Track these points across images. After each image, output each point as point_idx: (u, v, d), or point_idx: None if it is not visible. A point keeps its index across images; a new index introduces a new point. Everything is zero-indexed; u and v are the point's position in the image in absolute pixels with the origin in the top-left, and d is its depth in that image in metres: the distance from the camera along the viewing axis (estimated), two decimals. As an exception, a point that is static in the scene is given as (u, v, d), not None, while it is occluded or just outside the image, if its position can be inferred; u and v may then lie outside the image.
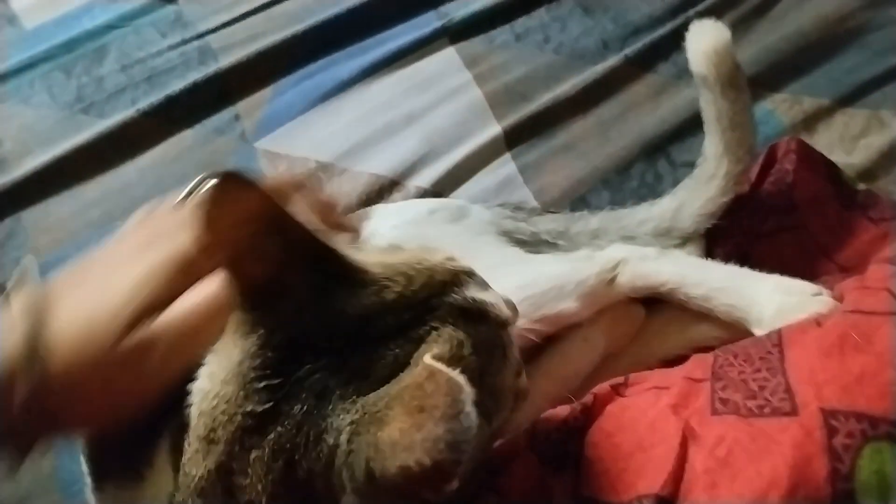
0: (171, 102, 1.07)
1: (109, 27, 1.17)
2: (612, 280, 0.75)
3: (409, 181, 0.98)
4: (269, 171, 1.00)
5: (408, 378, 0.40)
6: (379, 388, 0.41)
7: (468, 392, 0.39)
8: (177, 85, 1.08)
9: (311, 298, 0.45)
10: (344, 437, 0.41)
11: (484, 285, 0.51)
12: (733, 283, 0.72)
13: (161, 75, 1.11)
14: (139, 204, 0.95)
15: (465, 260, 0.53)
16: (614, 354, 0.76)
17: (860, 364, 0.51)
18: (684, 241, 0.80)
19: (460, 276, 0.49)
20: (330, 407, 0.42)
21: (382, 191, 0.97)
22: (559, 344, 0.75)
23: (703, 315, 0.74)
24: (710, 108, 0.81)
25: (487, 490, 0.54)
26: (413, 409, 0.38)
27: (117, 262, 0.52)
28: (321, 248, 0.46)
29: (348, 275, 0.47)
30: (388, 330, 0.45)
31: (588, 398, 0.59)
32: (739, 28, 1.04)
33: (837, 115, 0.96)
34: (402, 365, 0.42)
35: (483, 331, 0.47)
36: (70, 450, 0.78)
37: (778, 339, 0.58)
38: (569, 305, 0.72)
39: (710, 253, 0.80)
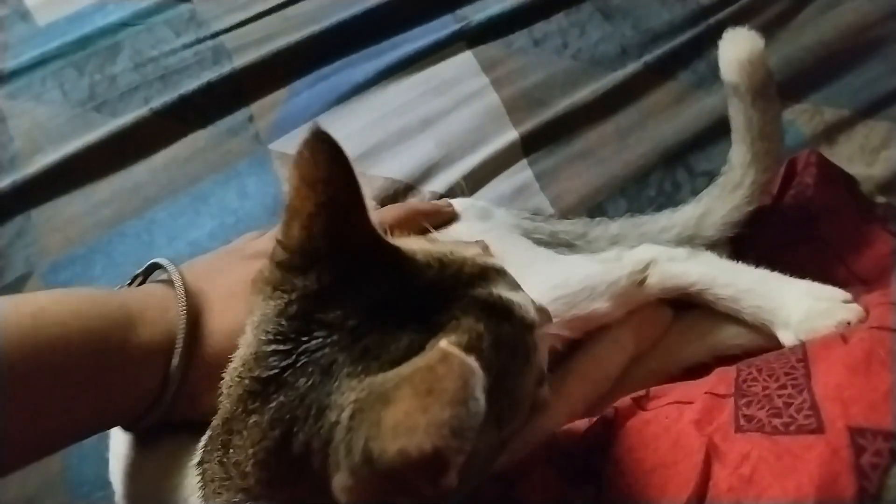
0: (184, 102, 1.06)
1: (123, 25, 1.16)
2: (643, 281, 0.74)
3: (424, 186, 0.97)
4: (283, 174, 0.99)
5: (420, 361, 0.40)
6: (388, 371, 0.41)
7: (479, 376, 0.38)
8: (190, 84, 1.07)
9: (338, 276, 0.46)
10: (346, 415, 0.40)
11: (514, 285, 0.50)
12: (762, 286, 0.72)
13: (174, 74, 1.10)
14: (151, 204, 0.98)
15: (497, 258, 0.52)
16: (639, 357, 0.75)
17: (887, 381, 0.50)
18: (708, 249, 0.80)
19: (490, 272, 0.49)
20: (336, 383, 0.42)
21: (397, 195, 0.96)
22: (589, 346, 0.74)
23: (727, 320, 0.73)
24: (740, 117, 0.80)
25: (505, 500, 0.53)
26: (421, 392, 0.37)
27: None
28: (368, 231, 0.47)
29: (384, 256, 0.47)
30: (408, 315, 0.44)
31: (609, 412, 0.58)
32: None
33: (858, 126, 0.95)
34: (416, 350, 0.42)
35: (506, 329, 0.46)
36: (79, 451, 0.78)
37: (803, 355, 0.57)
38: (601, 306, 0.72)
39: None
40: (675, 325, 0.77)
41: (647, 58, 1.04)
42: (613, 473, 0.53)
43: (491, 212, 0.84)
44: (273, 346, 0.44)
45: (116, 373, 0.54)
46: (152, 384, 0.55)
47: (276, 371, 0.44)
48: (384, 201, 0.95)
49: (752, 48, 0.77)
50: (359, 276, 0.46)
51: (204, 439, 0.48)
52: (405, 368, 0.40)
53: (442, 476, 0.36)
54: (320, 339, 0.44)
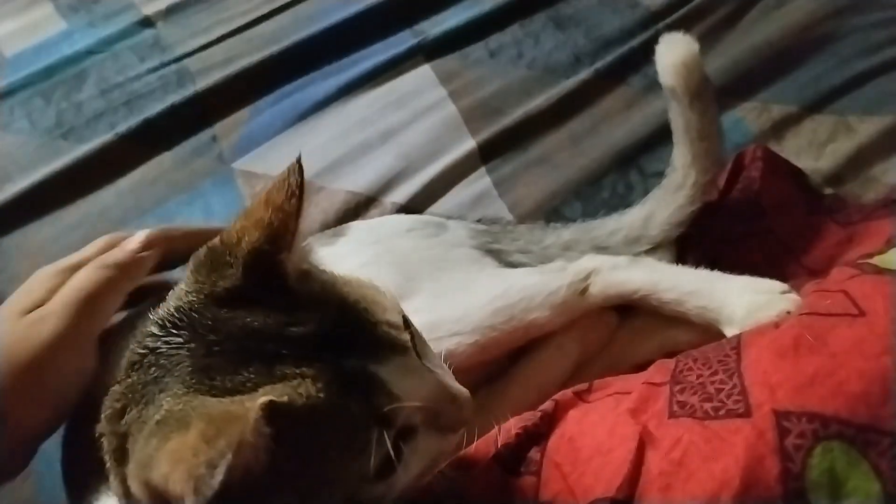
0: (149, 125, 1.08)
1: (89, 52, 1.19)
2: (585, 290, 0.75)
3: (385, 197, 0.98)
4: (247, 191, 1.01)
5: (231, 405, 0.41)
6: (211, 398, 0.43)
7: (254, 451, 0.40)
8: (155, 108, 1.09)
9: (241, 292, 0.48)
10: (157, 418, 0.43)
11: (407, 370, 0.49)
12: (704, 286, 0.73)
13: (140, 99, 1.12)
14: (118, 226, 0.99)
15: (414, 326, 0.53)
16: (587, 362, 0.76)
17: (814, 365, 0.52)
18: (654, 248, 0.81)
19: (386, 346, 0.49)
20: (169, 385, 0.44)
21: (359, 208, 0.98)
22: (533, 353, 0.75)
23: (675, 320, 0.75)
24: (679, 120, 0.82)
25: (449, 496, 0.54)
26: (208, 435, 0.39)
27: None
28: (284, 265, 0.49)
29: (297, 293, 0.49)
30: (264, 354, 0.45)
31: (549, 405, 0.59)
32: (708, 39, 1.06)
33: (805, 121, 0.97)
34: (248, 389, 0.43)
35: (352, 412, 0.45)
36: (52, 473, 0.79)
37: (737, 343, 0.58)
38: (540, 315, 0.73)
39: (680, 260, 0.81)
40: (623, 328, 0.78)
41: (599, 64, 1.06)
42: (552, 463, 0.54)
43: (444, 227, 0.85)
44: (155, 328, 0.48)
45: None
46: None
47: (145, 351, 0.47)
48: (346, 214, 0.97)
49: (686, 52, 0.79)
50: (257, 297, 0.48)
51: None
52: (217, 405, 0.42)
53: None
54: (182, 339, 0.46)
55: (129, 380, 0.47)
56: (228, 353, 0.45)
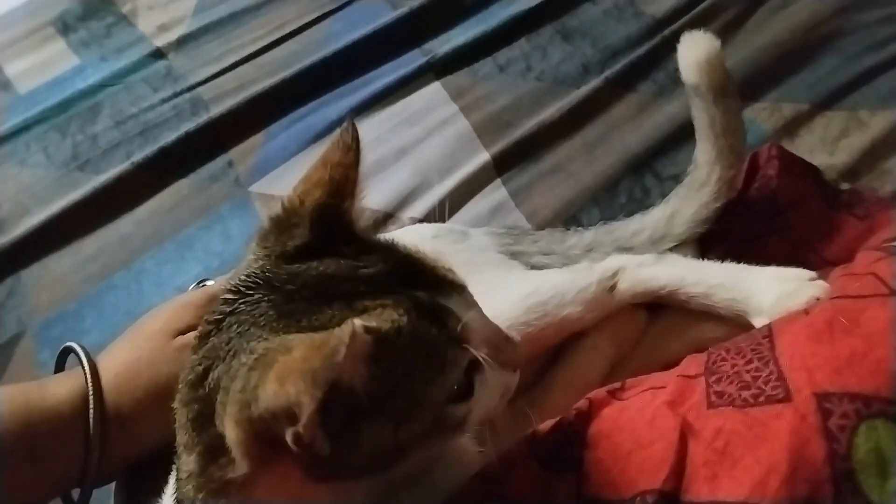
0: (164, 154, 1.09)
1: (102, 86, 1.20)
2: (613, 287, 0.76)
3: (403, 213, 0.99)
4: (265, 213, 1.02)
5: (329, 332, 0.42)
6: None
7: (369, 352, 0.42)
8: (170, 136, 1.10)
9: (308, 245, 0.50)
10: (252, 358, 0.43)
11: (469, 304, 0.52)
12: (731, 278, 0.73)
13: (154, 129, 1.13)
14: (137, 255, 1.00)
15: (465, 278, 0.54)
16: (620, 361, 0.76)
17: (849, 346, 0.52)
18: (677, 247, 0.82)
19: (445, 284, 0.51)
20: (258, 334, 0.45)
21: (377, 224, 0.98)
22: (569, 355, 0.76)
23: (704, 315, 0.75)
24: (703, 116, 0.82)
25: (490, 498, 0.54)
26: (313, 347, 0.40)
27: None
28: (349, 216, 0.52)
29: (357, 241, 0.51)
30: (342, 293, 0.47)
31: (583, 403, 0.59)
32: None
33: (817, 118, 0.97)
34: (335, 324, 0.44)
35: (430, 333, 0.47)
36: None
37: (768, 332, 0.58)
38: (572, 311, 0.73)
39: (702, 259, 0.81)
40: (653, 326, 0.78)
41: (608, 73, 1.07)
42: (592, 459, 0.54)
43: (467, 234, 0.86)
44: (227, 295, 0.49)
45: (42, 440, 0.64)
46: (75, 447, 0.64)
47: (221, 316, 0.48)
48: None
49: (709, 49, 0.80)
50: (325, 250, 0.50)
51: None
52: (313, 333, 0.43)
53: (296, 423, 0.39)
54: (260, 295, 0.47)
55: (208, 344, 0.47)
56: (309, 297, 0.47)
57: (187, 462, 0.47)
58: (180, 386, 0.48)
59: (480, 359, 0.49)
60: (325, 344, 0.39)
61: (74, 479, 0.66)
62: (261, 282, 0.48)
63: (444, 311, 0.48)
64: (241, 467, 0.42)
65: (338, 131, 0.54)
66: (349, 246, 0.50)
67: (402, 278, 0.49)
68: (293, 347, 0.41)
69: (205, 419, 0.45)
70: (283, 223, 0.52)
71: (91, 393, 0.66)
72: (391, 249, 0.52)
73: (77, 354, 0.71)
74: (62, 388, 0.67)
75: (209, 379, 0.45)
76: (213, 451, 0.44)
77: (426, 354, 0.47)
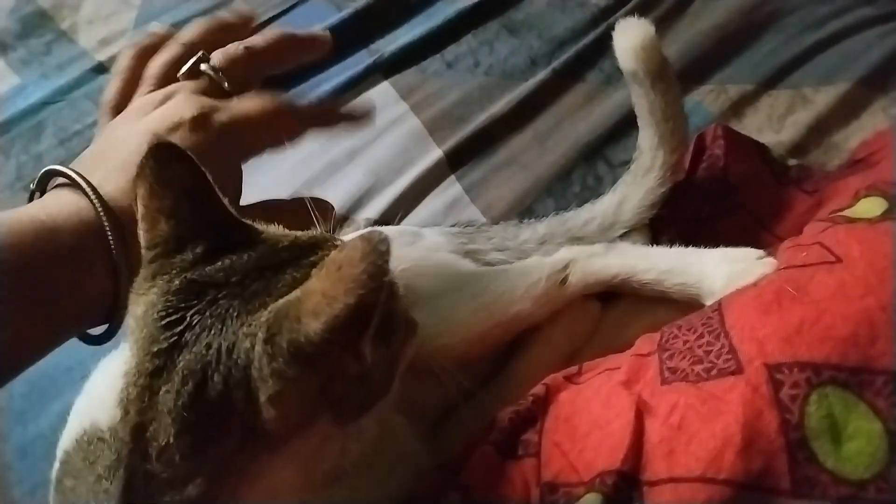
0: (111, 168, 1.06)
1: (44, 103, 1.17)
2: (564, 280, 0.75)
3: (357, 214, 0.98)
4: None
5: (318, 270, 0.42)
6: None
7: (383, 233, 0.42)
8: (116, 151, 1.08)
9: (210, 248, 0.48)
10: (261, 334, 0.42)
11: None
12: (681, 263, 0.73)
13: (99, 144, 1.11)
14: None
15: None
16: (576, 352, 0.76)
17: (798, 315, 0.52)
18: (628, 233, 0.82)
19: (323, 241, 0.52)
20: (238, 322, 0.43)
21: (333, 227, 0.97)
22: (523, 351, 0.75)
23: (658, 300, 0.74)
24: (643, 102, 0.82)
25: (450, 488, 0.53)
26: (333, 271, 0.40)
27: None
28: (225, 212, 0.50)
29: (243, 231, 0.50)
30: (284, 262, 0.47)
31: (540, 389, 0.59)
32: (659, 29, 1.02)
33: (763, 98, 0.98)
34: (300, 281, 0.43)
35: None
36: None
37: (718, 306, 0.58)
38: (522, 308, 0.73)
39: (655, 243, 0.81)
40: (608, 314, 0.77)
41: (555, 64, 1.07)
42: (550, 443, 0.54)
43: (420, 234, 0.85)
44: (165, 321, 0.45)
45: (57, 269, 0.54)
46: (99, 282, 0.56)
47: (175, 338, 0.44)
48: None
49: (644, 35, 0.80)
50: (227, 247, 0.48)
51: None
52: (306, 281, 0.43)
53: (367, 326, 0.39)
54: (210, 297, 0.45)
55: (178, 366, 0.43)
56: (259, 278, 0.46)
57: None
58: (170, 419, 0.43)
59: None
60: (346, 260, 0.40)
61: (97, 310, 0.57)
62: (197, 289, 0.46)
63: None
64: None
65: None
66: (239, 236, 0.49)
67: (303, 246, 0.49)
68: (308, 293, 0.41)
69: (207, 439, 0.43)
70: (169, 249, 0.49)
71: (100, 210, 0.56)
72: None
73: (62, 174, 0.60)
74: (54, 208, 0.56)
75: (211, 388, 0.42)
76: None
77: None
